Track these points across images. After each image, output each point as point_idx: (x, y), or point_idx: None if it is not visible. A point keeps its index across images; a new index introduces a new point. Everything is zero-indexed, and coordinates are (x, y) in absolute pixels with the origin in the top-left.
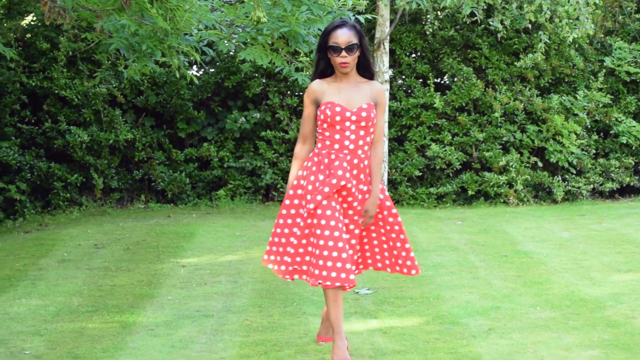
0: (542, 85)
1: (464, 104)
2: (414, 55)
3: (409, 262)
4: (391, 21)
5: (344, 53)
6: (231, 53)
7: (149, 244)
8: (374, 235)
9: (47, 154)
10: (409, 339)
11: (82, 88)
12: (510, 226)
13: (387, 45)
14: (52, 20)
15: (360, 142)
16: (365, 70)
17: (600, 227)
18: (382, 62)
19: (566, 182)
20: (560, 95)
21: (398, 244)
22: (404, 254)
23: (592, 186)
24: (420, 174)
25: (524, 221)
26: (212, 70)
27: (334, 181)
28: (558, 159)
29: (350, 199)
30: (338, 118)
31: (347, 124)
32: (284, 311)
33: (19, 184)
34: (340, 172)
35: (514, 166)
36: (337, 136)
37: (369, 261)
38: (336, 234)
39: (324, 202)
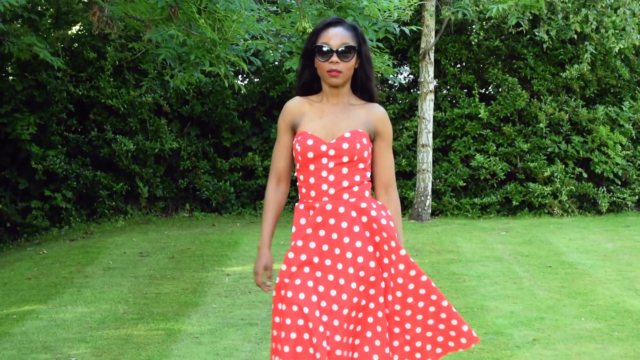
0: (587, 95)
1: (508, 115)
2: (459, 65)
3: (453, 333)
4: (436, 31)
5: (335, 57)
6: (276, 63)
7: (194, 253)
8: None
9: (93, 162)
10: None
11: (128, 97)
12: (554, 237)
13: (432, 55)
14: (100, 29)
15: (345, 183)
16: (364, 89)
17: None
18: (427, 72)
19: (611, 193)
20: (606, 106)
21: (442, 315)
22: (442, 326)
23: (637, 197)
24: (465, 184)
25: (568, 232)
26: (257, 80)
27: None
28: (603, 169)
29: (352, 269)
30: (310, 154)
31: (324, 160)
32: None
33: (65, 192)
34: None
35: (558, 177)
36: (311, 179)
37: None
38: (305, 310)
39: (293, 269)
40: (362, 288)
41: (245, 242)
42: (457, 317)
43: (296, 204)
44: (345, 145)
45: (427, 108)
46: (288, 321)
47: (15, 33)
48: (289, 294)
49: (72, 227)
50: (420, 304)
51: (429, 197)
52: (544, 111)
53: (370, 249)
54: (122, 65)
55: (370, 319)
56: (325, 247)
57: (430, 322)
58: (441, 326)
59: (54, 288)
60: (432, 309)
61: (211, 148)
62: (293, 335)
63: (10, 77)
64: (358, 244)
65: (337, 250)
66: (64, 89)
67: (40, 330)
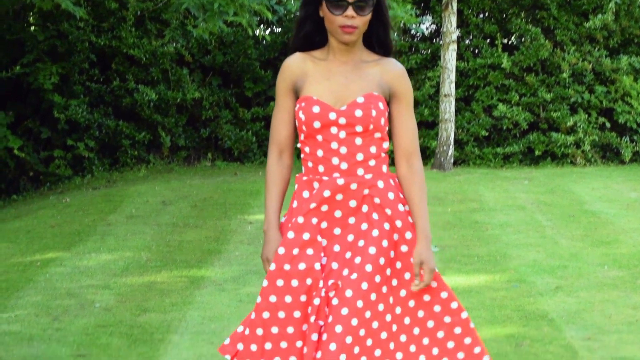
0: (611, 46)
1: (531, 65)
2: (482, 15)
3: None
4: None
5: (350, 10)
6: (298, 13)
7: (216, 201)
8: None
9: (115, 112)
10: (475, 296)
11: (150, 47)
12: (577, 186)
13: (455, 5)
14: None
15: (360, 156)
16: (381, 43)
17: None
18: (450, 22)
19: (634, 143)
20: (630, 56)
21: (456, 330)
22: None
23: None
24: (487, 133)
25: (591, 181)
26: (279, 29)
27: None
28: (626, 119)
29: (359, 259)
30: (317, 124)
31: (334, 130)
32: None
33: (87, 141)
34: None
35: (581, 126)
36: (319, 152)
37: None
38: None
39: (295, 251)
40: (364, 285)
41: None
42: (472, 335)
43: (297, 174)
44: (358, 113)
45: (449, 58)
46: (282, 314)
47: None
48: (294, 282)
49: (95, 176)
50: (437, 308)
51: (451, 147)
52: (567, 61)
53: (376, 232)
54: (144, 15)
55: (375, 324)
56: (324, 225)
57: (440, 335)
58: (450, 344)
59: (77, 236)
60: (447, 319)
61: (233, 98)
62: (291, 330)
63: (32, 27)
64: (364, 226)
65: (336, 231)
66: (85, 39)
67: (64, 277)
